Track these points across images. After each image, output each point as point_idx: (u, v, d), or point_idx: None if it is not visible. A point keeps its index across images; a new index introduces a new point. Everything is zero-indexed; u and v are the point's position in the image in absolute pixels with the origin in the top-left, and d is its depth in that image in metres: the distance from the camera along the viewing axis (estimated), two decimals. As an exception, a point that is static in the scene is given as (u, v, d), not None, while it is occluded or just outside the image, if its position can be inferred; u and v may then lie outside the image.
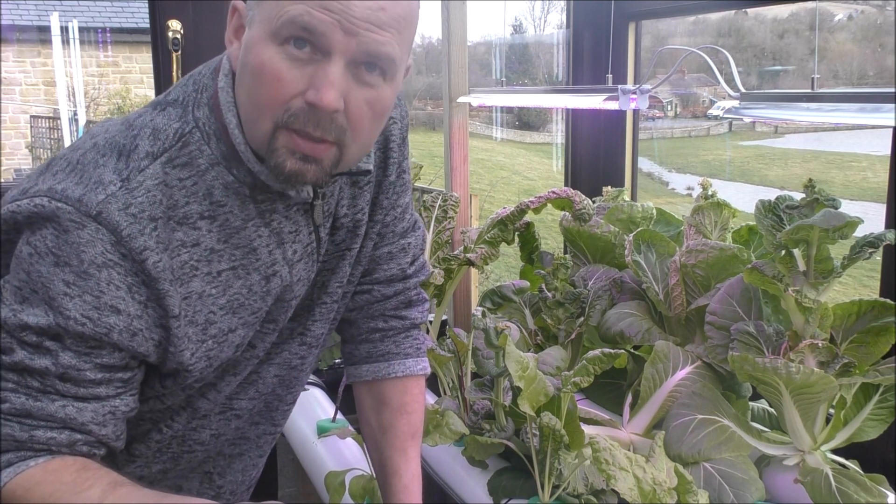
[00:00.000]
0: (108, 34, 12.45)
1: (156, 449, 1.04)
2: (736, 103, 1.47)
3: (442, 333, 1.84)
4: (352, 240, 1.07)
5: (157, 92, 2.06)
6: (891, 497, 1.27)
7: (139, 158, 0.87)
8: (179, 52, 1.97)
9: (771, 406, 1.44)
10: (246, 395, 1.08)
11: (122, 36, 12.55)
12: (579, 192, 1.79)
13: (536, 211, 1.85)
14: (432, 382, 1.71)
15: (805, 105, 1.34)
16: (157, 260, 0.86)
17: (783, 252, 1.33)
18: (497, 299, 1.80)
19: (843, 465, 1.32)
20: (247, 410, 1.09)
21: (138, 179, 0.86)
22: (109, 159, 0.87)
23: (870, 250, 1.26)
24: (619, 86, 1.70)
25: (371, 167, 1.03)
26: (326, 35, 0.81)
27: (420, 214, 2.03)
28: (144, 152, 0.88)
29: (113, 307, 0.84)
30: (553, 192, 1.81)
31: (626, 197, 1.99)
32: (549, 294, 1.67)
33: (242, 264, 0.93)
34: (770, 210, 1.39)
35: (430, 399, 1.69)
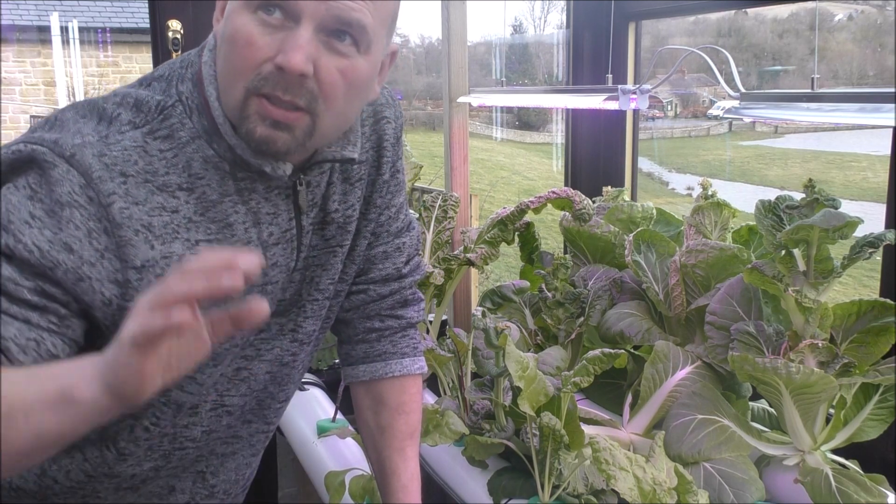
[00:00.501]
0: (108, 34, 12.44)
1: (146, 447, 1.03)
2: (736, 103, 1.47)
3: (442, 333, 1.84)
4: (342, 236, 1.07)
5: (157, 92, 2.05)
6: (891, 497, 1.27)
7: (120, 124, 0.89)
8: (179, 52, 1.97)
9: (771, 406, 1.44)
10: (237, 391, 1.07)
11: (122, 36, 12.55)
12: (579, 192, 1.80)
13: (536, 211, 1.85)
14: (432, 382, 1.72)
15: (805, 105, 1.34)
16: (125, 207, 0.86)
17: (783, 252, 1.33)
18: (497, 299, 1.80)
19: (843, 465, 1.33)
20: (238, 407, 1.09)
21: (116, 138, 0.88)
22: (90, 120, 0.89)
23: (870, 250, 1.26)
24: (619, 86, 1.70)
25: (356, 155, 1.02)
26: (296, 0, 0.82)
27: (420, 214, 2.03)
28: (127, 120, 0.89)
29: (66, 245, 0.84)
30: (553, 192, 1.81)
31: (626, 197, 1.99)
32: (549, 294, 1.67)
33: (217, 238, 0.93)
34: (770, 210, 1.39)
35: (430, 399, 1.69)
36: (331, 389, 1.92)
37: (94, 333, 0.90)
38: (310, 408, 1.82)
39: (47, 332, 0.84)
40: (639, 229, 1.70)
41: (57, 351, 0.85)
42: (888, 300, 1.32)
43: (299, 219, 1.01)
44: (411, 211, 1.25)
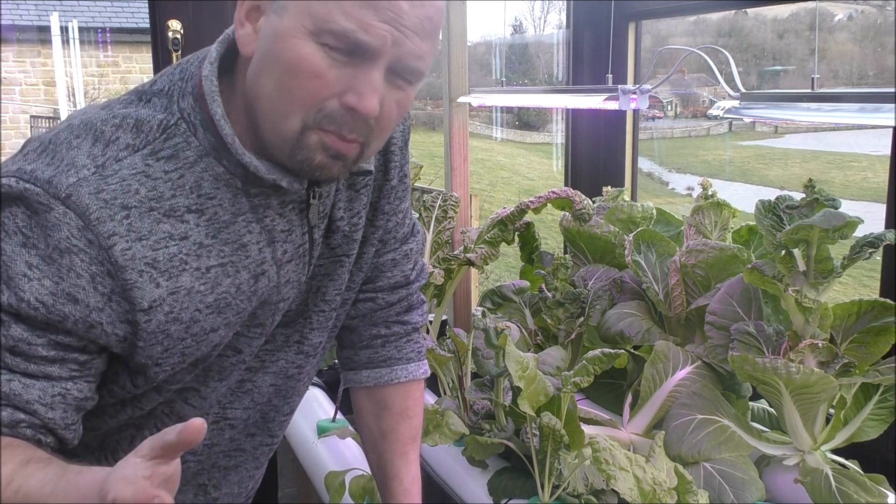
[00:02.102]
0: (108, 34, 12.45)
1: None
2: (736, 103, 1.47)
3: (442, 333, 1.84)
4: (349, 245, 1.04)
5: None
6: (891, 497, 1.27)
7: (118, 149, 0.84)
8: (179, 52, 1.97)
9: (771, 406, 1.44)
10: (240, 404, 1.04)
11: (122, 36, 12.55)
12: (579, 192, 1.79)
13: (536, 211, 1.85)
14: (432, 382, 1.71)
15: (805, 105, 1.34)
16: (126, 248, 0.82)
17: (783, 252, 1.33)
18: (497, 299, 1.80)
19: (843, 465, 1.33)
20: (241, 420, 1.06)
21: (114, 167, 0.82)
22: (84, 141, 0.84)
23: (870, 250, 1.26)
24: (619, 86, 1.70)
25: (371, 168, 1.01)
26: (377, 47, 0.80)
27: (420, 214, 2.03)
28: (125, 144, 0.84)
29: (70, 295, 0.80)
30: (553, 192, 1.81)
31: (626, 197, 1.99)
32: (549, 294, 1.67)
33: (231, 261, 0.89)
34: (770, 210, 1.39)
35: (430, 399, 1.69)
36: (331, 389, 1.92)
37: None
38: (310, 408, 1.82)
39: (71, 381, 0.84)
40: (639, 229, 1.70)
41: (83, 394, 0.85)
42: (888, 300, 1.32)
43: (311, 233, 0.97)
44: (413, 213, 1.23)
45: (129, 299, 0.83)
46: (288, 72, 0.81)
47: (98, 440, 0.98)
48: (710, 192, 1.65)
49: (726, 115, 1.51)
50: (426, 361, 1.22)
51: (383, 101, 0.83)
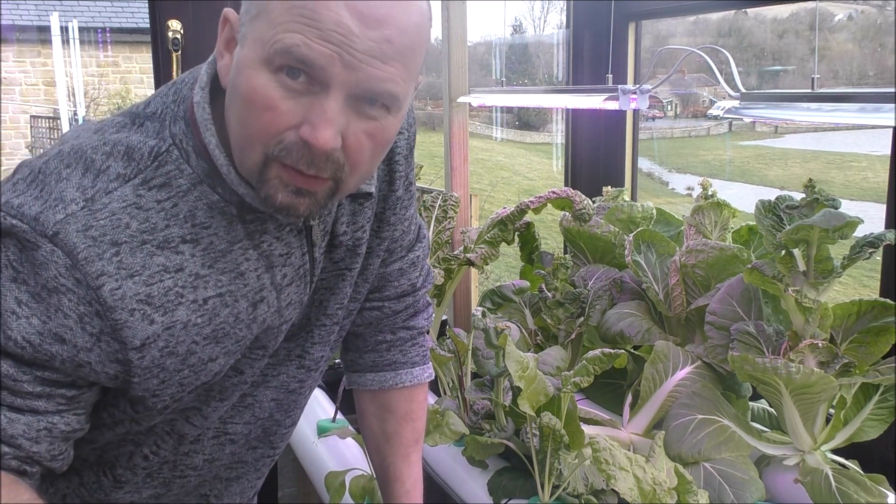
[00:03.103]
0: (108, 34, 12.45)
1: (144, 475, 0.99)
2: (736, 103, 1.47)
3: (442, 333, 1.84)
4: (352, 259, 1.01)
5: (157, 92, 2.05)
6: (891, 497, 1.27)
7: (108, 180, 0.80)
8: (179, 52, 1.97)
9: (771, 406, 1.44)
10: (241, 419, 1.02)
11: (122, 36, 12.55)
12: (579, 192, 1.80)
13: (536, 211, 1.85)
14: (432, 382, 1.71)
15: (805, 105, 1.34)
16: (116, 287, 0.78)
17: (783, 252, 1.33)
18: (497, 299, 1.80)
19: (843, 465, 1.33)
20: (242, 435, 1.04)
21: (103, 201, 0.79)
22: (74, 172, 0.80)
23: (870, 250, 1.26)
24: (619, 86, 1.70)
25: (373, 189, 0.97)
26: (325, 68, 0.74)
27: (420, 214, 2.02)
28: (115, 174, 0.81)
29: (57, 335, 0.78)
30: (553, 192, 1.81)
31: (626, 197, 1.99)
32: (549, 294, 1.67)
33: (230, 290, 0.86)
34: (770, 210, 1.39)
35: (430, 399, 1.69)
36: (331, 389, 1.92)
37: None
38: (310, 408, 1.82)
39: (58, 415, 0.82)
40: (639, 229, 1.70)
41: (71, 427, 0.84)
42: (888, 300, 1.32)
43: (312, 252, 0.94)
44: (418, 216, 1.21)
45: (120, 339, 0.80)
46: (244, 105, 0.78)
47: (96, 455, 0.96)
48: (710, 192, 1.65)
49: (726, 115, 1.51)
50: (431, 365, 1.22)
51: (348, 132, 0.78)
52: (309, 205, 0.81)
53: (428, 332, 1.93)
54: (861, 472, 1.31)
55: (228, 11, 0.83)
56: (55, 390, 0.81)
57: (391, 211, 1.04)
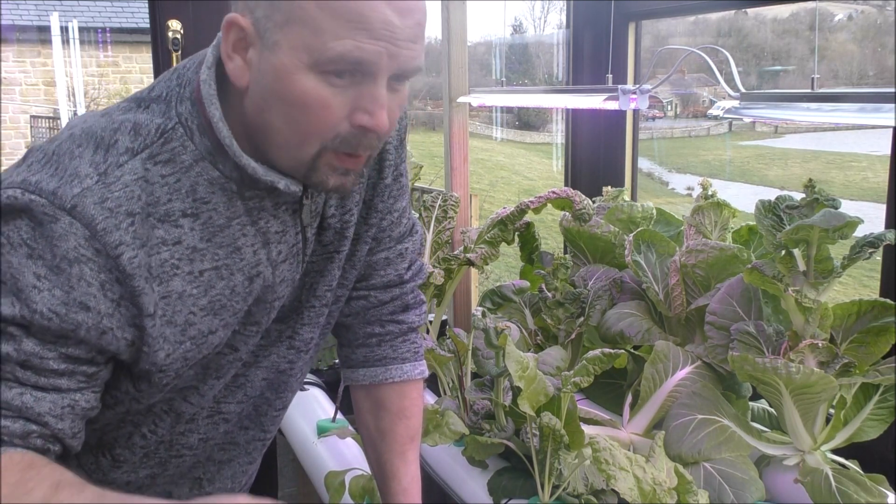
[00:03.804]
0: (108, 34, 12.45)
1: (141, 454, 1.02)
2: (736, 103, 1.47)
3: (442, 333, 1.84)
4: (339, 241, 1.05)
5: (157, 92, 2.05)
6: (891, 497, 1.27)
7: (118, 153, 0.85)
8: (179, 52, 1.97)
9: (771, 406, 1.44)
10: (234, 398, 1.06)
11: (122, 36, 12.56)
12: (579, 192, 1.80)
13: (536, 211, 1.85)
14: (432, 382, 1.72)
15: (805, 105, 1.34)
16: (133, 256, 0.83)
17: (783, 252, 1.33)
18: (497, 299, 1.80)
19: (843, 465, 1.33)
20: (235, 414, 1.08)
21: (116, 174, 0.83)
22: (86, 150, 0.85)
23: (870, 250, 1.26)
24: (619, 86, 1.70)
25: (367, 168, 1.03)
26: (375, 63, 0.81)
27: (420, 214, 2.03)
28: (124, 148, 0.85)
29: (82, 304, 0.82)
30: (553, 192, 1.81)
31: (626, 197, 1.99)
32: (549, 294, 1.67)
33: (226, 264, 0.91)
34: (770, 210, 1.39)
35: (430, 399, 1.70)
36: (331, 389, 1.92)
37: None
38: (310, 408, 1.82)
39: (79, 393, 0.86)
40: (639, 229, 1.70)
41: (90, 404, 0.88)
42: (888, 300, 1.32)
43: (304, 232, 0.99)
44: (413, 213, 1.23)
45: (138, 304, 0.85)
46: (295, 107, 0.83)
47: (96, 437, 0.99)
48: (710, 192, 1.65)
49: (726, 115, 1.51)
50: (424, 362, 1.22)
51: (388, 109, 0.85)
52: (353, 180, 0.90)
53: (428, 332, 1.94)
54: (861, 472, 1.31)
55: (235, 17, 0.85)
56: (77, 367, 0.85)
57: (379, 198, 1.09)
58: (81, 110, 11.15)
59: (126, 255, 0.83)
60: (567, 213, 1.84)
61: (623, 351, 1.49)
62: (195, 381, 0.99)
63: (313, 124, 0.84)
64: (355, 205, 1.05)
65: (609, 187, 2.02)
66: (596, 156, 2.23)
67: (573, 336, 1.66)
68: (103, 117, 0.89)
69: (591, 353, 1.27)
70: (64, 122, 10.55)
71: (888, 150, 1.47)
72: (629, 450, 1.25)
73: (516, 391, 1.27)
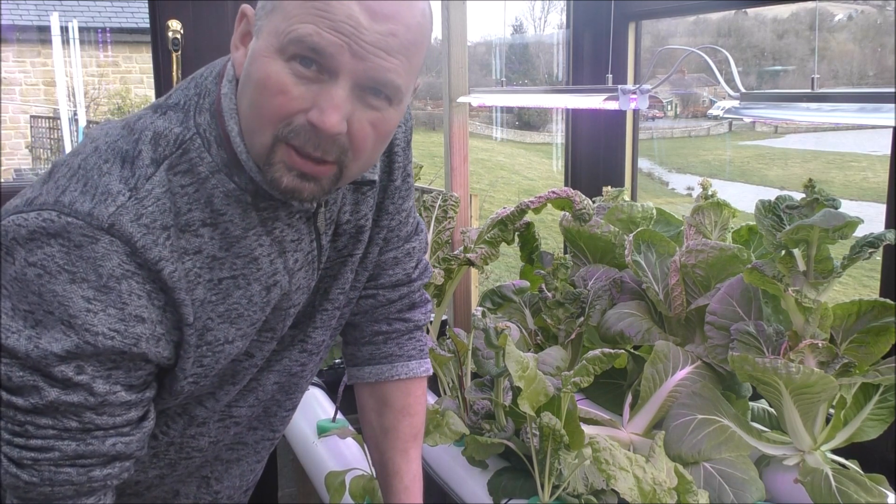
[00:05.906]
0: (108, 34, 12.44)
1: (151, 455, 1.03)
2: (736, 103, 1.47)
3: (442, 333, 1.84)
4: (354, 246, 1.06)
5: (158, 92, 2.06)
6: (891, 497, 1.27)
7: (144, 165, 0.86)
8: (179, 52, 1.97)
9: (771, 406, 1.44)
10: (245, 402, 1.07)
11: (122, 36, 12.54)
12: (579, 192, 1.79)
13: (536, 211, 1.85)
14: (432, 382, 1.71)
15: (805, 105, 1.34)
16: (173, 270, 0.85)
17: (783, 252, 1.33)
18: (497, 299, 1.80)
19: (843, 465, 1.33)
20: (245, 417, 1.09)
21: (146, 188, 0.84)
22: (114, 166, 0.85)
23: (870, 250, 1.26)
24: (619, 86, 1.70)
25: (376, 178, 1.03)
26: (334, 57, 0.80)
27: (420, 214, 2.02)
28: (149, 158, 0.86)
29: (138, 316, 0.84)
30: (553, 192, 1.81)
31: (626, 197, 1.99)
32: (549, 294, 1.67)
33: (243, 274, 0.92)
34: (770, 210, 1.39)
35: (430, 399, 1.69)
36: (331, 389, 1.92)
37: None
38: (310, 408, 1.82)
39: (147, 420, 0.92)
40: (639, 229, 1.70)
41: (153, 423, 0.94)
42: (888, 300, 1.32)
43: (319, 239, 1.00)
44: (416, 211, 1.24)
45: (179, 313, 0.88)
46: (257, 89, 0.83)
47: None
48: (710, 192, 1.65)
49: (726, 115, 1.51)
50: (428, 360, 1.24)
51: (353, 119, 0.84)
52: (313, 189, 0.87)
53: (428, 332, 1.94)
54: (861, 472, 1.31)
55: (246, 7, 0.89)
56: (142, 395, 0.90)
57: (389, 200, 1.10)
58: (81, 110, 11.15)
59: (167, 270, 0.85)
60: (567, 213, 1.84)
61: (623, 351, 1.49)
62: (212, 387, 1.00)
63: (266, 107, 0.83)
64: (369, 209, 1.06)
65: (609, 187, 2.02)
66: (596, 156, 2.23)
67: (573, 336, 1.66)
68: (124, 128, 0.90)
69: (591, 353, 1.27)
70: (64, 122, 10.55)
71: (888, 150, 1.47)
72: (629, 450, 1.25)
73: (516, 391, 1.27)
